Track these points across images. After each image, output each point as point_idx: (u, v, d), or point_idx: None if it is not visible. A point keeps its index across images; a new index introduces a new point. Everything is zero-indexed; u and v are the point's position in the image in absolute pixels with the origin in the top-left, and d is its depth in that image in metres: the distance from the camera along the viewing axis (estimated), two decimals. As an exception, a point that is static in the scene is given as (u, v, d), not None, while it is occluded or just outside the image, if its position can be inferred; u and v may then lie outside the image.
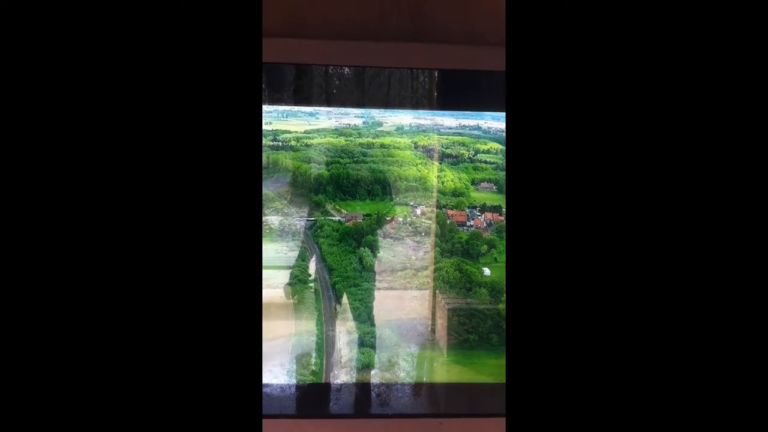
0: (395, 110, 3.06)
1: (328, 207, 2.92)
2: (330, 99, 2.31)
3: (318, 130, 3.30)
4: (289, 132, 3.23)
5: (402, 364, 2.52)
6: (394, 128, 3.30)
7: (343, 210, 2.93)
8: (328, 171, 3.01)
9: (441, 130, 3.24)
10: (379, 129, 3.32)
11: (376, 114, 3.33)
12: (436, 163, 3.05)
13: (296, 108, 2.96)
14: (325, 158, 3.08)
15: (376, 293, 2.80)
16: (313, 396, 2.33)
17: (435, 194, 3.01)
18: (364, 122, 3.32)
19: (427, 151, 3.11)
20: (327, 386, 2.39)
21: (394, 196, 3.03)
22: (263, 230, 2.93)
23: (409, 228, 2.80)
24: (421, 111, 3.02)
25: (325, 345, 2.57)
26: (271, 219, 2.90)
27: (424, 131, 3.22)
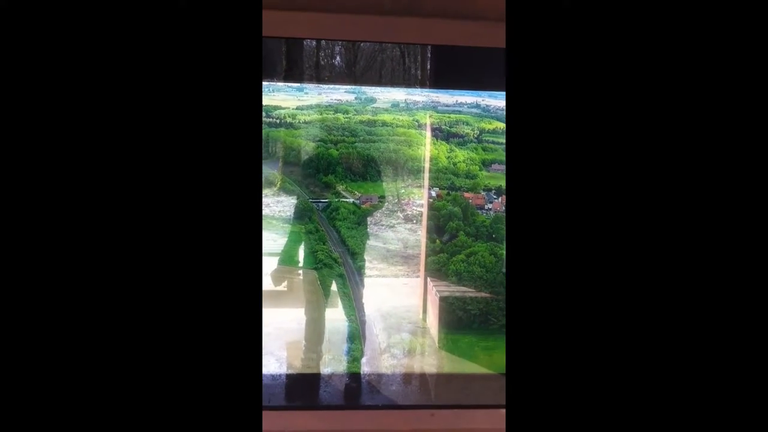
0: (389, 87, 2.99)
1: (340, 188, 2.82)
2: (329, 75, 2.22)
3: (310, 106, 3.17)
4: (281, 108, 3.09)
5: (443, 350, 2.52)
6: (389, 104, 3.24)
7: (356, 192, 2.84)
8: (337, 150, 2.90)
9: (438, 107, 3.23)
10: (374, 106, 3.24)
11: (368, 90, 3.25)
12: (445, 144, 3.03)
13: (282, 83, 2.81)
14: (329, 137, 2.96)
15: (406, 279, 2.76)
16: (372, 385, 2.27)
17: (440, 176, 2.99)
18: (356, 98, 3.24)
19: (432, 130, 3.07)
20: (379, 376, 2.34)
21: (406, 177, 2.98)
22: (276, 213, 2.79)
23: (429, 211, 2.77)
24: (424, 90, 2.98)
25: (361, 331, 2.51)
26: (284, 201, 2.76)
27: (421, 108, 3.18)
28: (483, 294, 2.59)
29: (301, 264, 2.59)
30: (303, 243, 2.55)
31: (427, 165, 2.90)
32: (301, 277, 2.57)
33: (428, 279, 2.66)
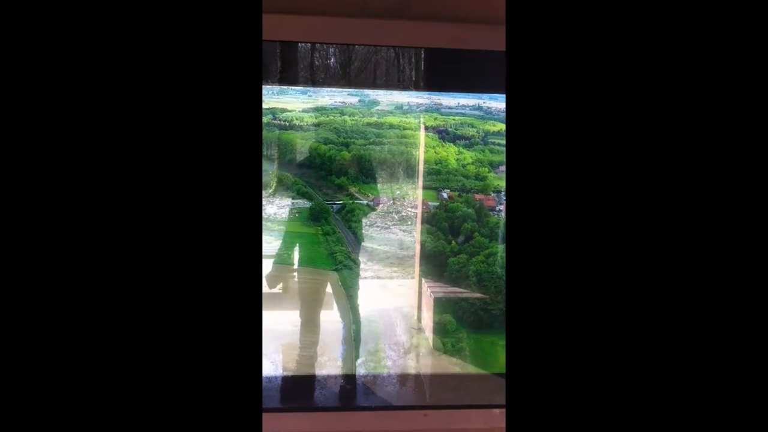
0: (384, 89, 3.00)
1: (353, 190, 2.82)
2: (324, 77, 2.23)
3: (315, 109, 3.15)
4: (287, 110, 3.06)
5: (465, 350, 2.55)
6: (393, 107, 3.25)
7: (369, 194, 2.84)
8: (349, 153, 2.90)
9: (441, 109, 3.25)
10: (378, 108, 3.24)
11: (371, 92, 3.25)
12: (453, 146, 3.06)
13: (276, 86, 2.80)
14: (339, 139, 2.96)
15: (425, 281, 2.78)
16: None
17: (450, 177, 3.02)
18: (359, 100, 3.23)
19: (438, 132, 3.10)
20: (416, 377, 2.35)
21: (416, 179, 3.00)
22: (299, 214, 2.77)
23: (444, 213, 2.80)
24: (424, 92, 3.00)
25: (383, 331, 2.52)
26: (299, 203, 2.74)
27: (424, 111, 3.20)
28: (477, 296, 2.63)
29: (296, 264, 2.57)
30: (305, 244, 2.54)
31: (420, 167, 2.92)
32: (295, 278, 2.56)
33: (423, 280, 2.69)
